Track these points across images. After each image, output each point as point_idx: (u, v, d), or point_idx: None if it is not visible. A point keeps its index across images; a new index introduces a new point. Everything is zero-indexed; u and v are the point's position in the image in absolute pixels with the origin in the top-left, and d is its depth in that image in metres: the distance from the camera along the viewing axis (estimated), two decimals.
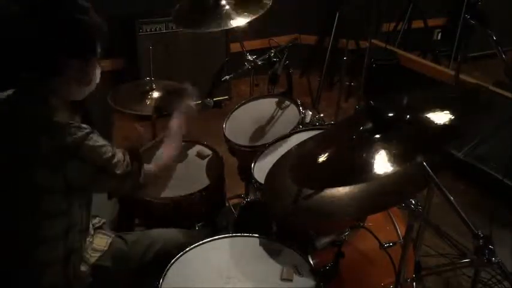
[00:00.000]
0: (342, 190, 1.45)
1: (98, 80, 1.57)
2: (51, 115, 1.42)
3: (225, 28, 2.26)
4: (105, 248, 1.67)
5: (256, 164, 1.97)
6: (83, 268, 1.59)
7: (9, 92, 1.51)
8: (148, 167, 1.66)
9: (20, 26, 1.38)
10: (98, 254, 1.64)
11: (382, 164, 1.16)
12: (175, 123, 1.95)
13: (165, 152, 1.82)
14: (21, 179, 1.46)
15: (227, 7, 2.27)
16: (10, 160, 1.45)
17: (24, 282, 1.53)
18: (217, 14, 2.26)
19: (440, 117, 1.23)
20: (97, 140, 1.46)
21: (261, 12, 2.24)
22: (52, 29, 1.38)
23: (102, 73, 1.58)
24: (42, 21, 1.37)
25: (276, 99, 2.37)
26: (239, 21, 2.22)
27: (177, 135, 1.92)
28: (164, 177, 1.83)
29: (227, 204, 2.41)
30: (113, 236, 1.73)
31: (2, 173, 1.47)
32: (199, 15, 2.31)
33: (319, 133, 1.79)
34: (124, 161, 1.53)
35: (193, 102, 2.04)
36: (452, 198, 1.19)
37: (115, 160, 1.49)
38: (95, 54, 1.50)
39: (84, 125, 1.45)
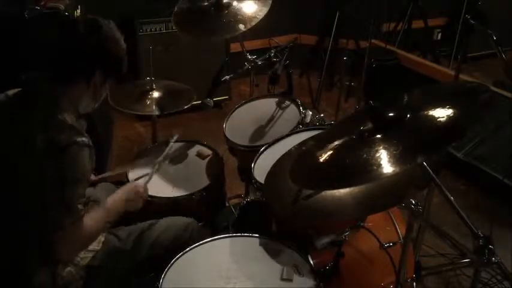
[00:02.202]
0: (342, 190, 1.45)
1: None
2: (56, 112, 1.46)
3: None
4: (98, 248, 1.66)
5: (256, 164, 1.97)
6: (73, 271, 1.58)
7: (18, 90, 1.58)
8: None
9: (68, 36, 1.55)
10: (90, 255, 1.63)
11: (382, 164, 1.16)
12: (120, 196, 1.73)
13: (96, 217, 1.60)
14: (14, 173, 1.48)
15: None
16: (15, 148, 1.48)
17: (14, 282, 1.53)
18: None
19: (441, 117, 1.23)
20: (85, 158, 1.47)
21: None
22: (95, 43, 1.53)
23: None
24: (90, 37, 1.53)
25: (276, 99, 2.37)
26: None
27: (112, 210, 1.67)
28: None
29: (227, 204, 2.41)
30: (105, 233, 1.72)
31: (6, 163, 1.50)
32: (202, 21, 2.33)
33: (319, 133, 1.79)
34: (80, 209, 1.49)
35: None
36: (452, 198, 1.19)
37: (79, 191, 1.47)
38: (116, 78, 1.64)
39: (86, 138, 1.48)
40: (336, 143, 1.38)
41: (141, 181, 1.95)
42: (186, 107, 2.36)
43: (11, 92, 1.58)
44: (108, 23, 1.58)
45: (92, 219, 1.56)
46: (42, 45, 1.63)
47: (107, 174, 2.08)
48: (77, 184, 1.46)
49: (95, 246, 1.65)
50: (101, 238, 1.68)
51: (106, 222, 1.63)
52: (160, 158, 2.05)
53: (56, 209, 1.44)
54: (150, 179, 1.93)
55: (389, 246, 1.66)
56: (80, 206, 1.48)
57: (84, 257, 1.62)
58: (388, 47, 4.33)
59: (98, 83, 1.58)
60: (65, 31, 1.56)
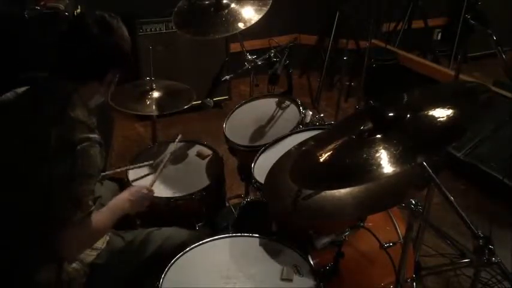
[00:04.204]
0: (342, 190, 1.45)
1: None
2: (69, 110, 1.48)
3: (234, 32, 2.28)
4: (103, 247, 1.67)
5: (256, 164, 1.97)
6: (78, 267, 1.59)
7: (28, 87, 1.58)
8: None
9: (89, 37, 1.53)
10: (95, 253, 1.64)
11: (382, 164, 1.16)
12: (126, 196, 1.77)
13: (103, 218, 1.63)
14: (28, 172, 1.48)
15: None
16: (27, 146, 1.49)
17: (18, 278, 1.53)
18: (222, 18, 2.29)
19: (441, 117, 1.23)
20: (96, 154, 1.48)
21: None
22: (110, 45, 1.55)
23: None
24: (104, 38, 1.54)
25: (276, 99, 2.37)
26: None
27: (117, 209, 1.71)
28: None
29: (227, 204, 2.41)
30: (110, 234, 1.73)
31: (18, 161, 1.50)
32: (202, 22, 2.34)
33: (319, 133, 1.79)
34: (90, 205, 1.50)
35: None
36: (452, 198, 1.19)
37: (89, 187, 1.48)
38: (125, 71, 1.66)
39: (97, 135, 1.49)
40: (336, 143, 1.38)
41: (143, 182, 1.95)
42: (186, 107, 2.36)
43: (20, 90, 1.58)
44: (117, 20, 1.58)
45: (98, 218, 1.57)
46: (49, 46, 1.62)
47: (109, 173, 2.10)
48: (88, 180, 1.47)
49: (100, 244, 1.67)
50: (106, 237, 1.70)
51: (111, 221, 1.65)
52: (165, 159, 2.05)
53: (66, 205, 1.45)
54: (155, 181, 1.94)
55: (389, 246, 1.66)
56: (90, 202, 1.50)
57: (89, 254, 1.63)
58: (388, 47, 4.33)
59: (110, 80, 1.60)
60: (79, 34, 1.54)
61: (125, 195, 1.76)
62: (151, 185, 1.91)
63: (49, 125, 1.45)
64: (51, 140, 1.42)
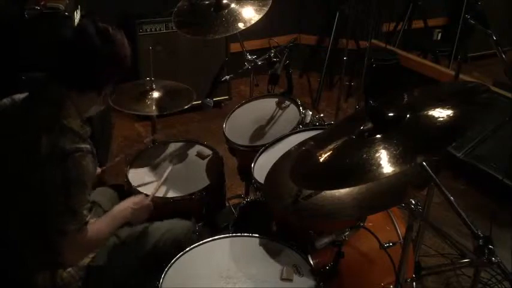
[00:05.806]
0: (341, 190, 1.44)
1: None
2: (62, 119, 1.47)
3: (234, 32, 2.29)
4: (98, 249, 1.67)
5: (256, 164, 1.97)
6: (72, 272, 1.59)
7: (26, 94, 1.58)
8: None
9: (95, 46, 1.51)
10: (90, 255, 1.64)
11: (382, 164, 1.16)
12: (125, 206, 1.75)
13: (100, 227, 1.62)
14: (18, 178, 1.48)
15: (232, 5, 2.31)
16: (20, 154, 1.48)
17: (13, 283, 1.54)
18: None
19: (441, 117, 1.23)
20: (88, 164, 1.47)
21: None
22: (110, 58, 1.54)
23: None
24: (105, 49, 1.52)
25: (276, 99, 2.37)
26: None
27: (118, 218, 1.70)
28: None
29: (227, 204, 2.41)
30: None
31: (11, 169, 1.49)
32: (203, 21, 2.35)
33: (319, 133, 1.79)
34: (85, 215, 1.50)
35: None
36: (452, 198, 1.19)
37: (84, 197, 1.48)
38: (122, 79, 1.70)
39: (90, 145, 1.49)
40: (336, 143, 1.38)
41: (147, 189, 1.95)
42: (186, 107, 2.36)
43: (17, 97, 1.58)
44: (121, 34, 1.57)
45: (97, 226, 1.57)
46: (49, 46, 1.62)
47: (108, 165, 2.14)
48: (81, 190, 1.47)
49: None
50: None
51: (111, 229, 1.65)
52: (167, 171, 2.06)
53: (60, 215, 1.45)
54: (157, 190, 1.94)
55: (389, 246, 1.66)
56: (85, 212, 1.49)
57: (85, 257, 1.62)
58: (388, 47, 4.33)
59: (108, 91, 1.61)
60: (81, 45, 1.51)
61: (127, 204, 1.74)
62: (151, 197, 1.90)
63: (41, 130, 1.44)
64: (41, 146, 1.42)
